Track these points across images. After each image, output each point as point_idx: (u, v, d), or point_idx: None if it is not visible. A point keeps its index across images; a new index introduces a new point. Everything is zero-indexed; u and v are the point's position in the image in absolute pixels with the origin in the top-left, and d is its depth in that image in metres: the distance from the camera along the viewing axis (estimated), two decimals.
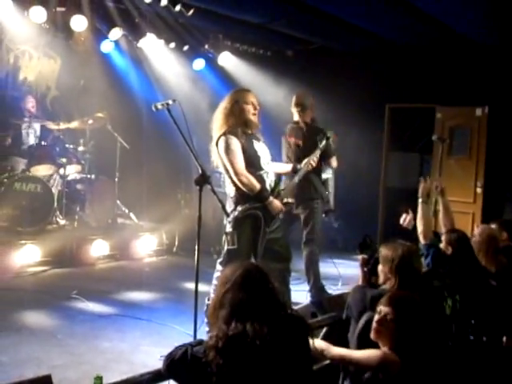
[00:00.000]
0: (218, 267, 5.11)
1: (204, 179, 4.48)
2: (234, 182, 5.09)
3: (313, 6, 7.78)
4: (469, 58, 9.01)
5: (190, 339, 4.28)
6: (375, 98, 9.84)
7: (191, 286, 5.27)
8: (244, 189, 5.04)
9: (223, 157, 5.08)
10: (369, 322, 3.43)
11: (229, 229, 5.04)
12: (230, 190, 5.17)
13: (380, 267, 3.91)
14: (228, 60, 10.23)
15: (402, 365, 3.15)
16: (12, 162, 8.45)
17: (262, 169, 5.13)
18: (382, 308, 3.29)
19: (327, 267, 8.43)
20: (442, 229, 5.30)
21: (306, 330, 2.88)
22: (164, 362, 2.86)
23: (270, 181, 5.20)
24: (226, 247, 5.02)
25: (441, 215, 5.37)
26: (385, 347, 3.26)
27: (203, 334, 4.27)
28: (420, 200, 5.00)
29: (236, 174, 5.03)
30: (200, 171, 4.60)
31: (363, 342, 3.43)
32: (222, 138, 5.08)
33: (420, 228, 4.83)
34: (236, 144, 5.03)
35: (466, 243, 4.64)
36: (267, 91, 10.08)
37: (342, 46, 9.97)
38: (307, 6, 7.75)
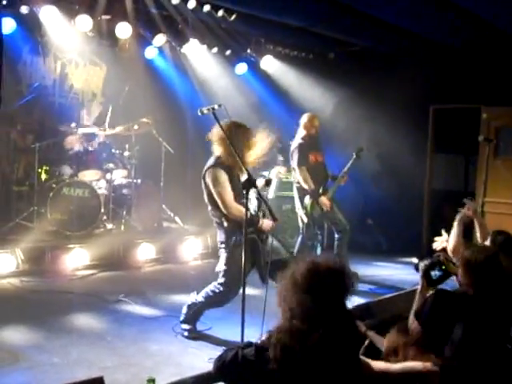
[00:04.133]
0: (218, 286, 5.38)
1: (250, 183, 4.52)
2: (224, 214, 5.24)
3: (354, 8, 7.76)
4: None
5: (237, 342, 4.32)
6: (419, 100, 9.73)
7: None
8: (234, 218, 5.18)
9: (212, 188, 5.23)
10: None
11: (225, 254, 5.32)
12: (221, 221, 5.33)
13: (460, 272, 3.78)
14: (270, 64, 10.26)
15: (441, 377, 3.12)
16: (60, 167, 8.63)
17: (243, 196, 5.17)
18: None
19: (373, 270, 8.41)
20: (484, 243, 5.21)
21: (359, 338, 2.87)
22: (214, 365, 2.87)
23: (253, 206, 5.31)
24: (223, 268, 5.34)
25: (478, 233, 5.27)
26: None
27: (251, 336, 4.28)
28: (457, 218, 4.94)
29: (226, 207, 5.19)
30: (246, 175, 4.63)
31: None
32: (211, 169, 5.23)
33: (451, 245, 4.78)
34: (223, 176, 5.17)
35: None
36: (310, 95, 10.10)
37: (384, 48, 9.90)
38: (349, 7, 7.73)
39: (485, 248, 3.96)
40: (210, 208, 5.41)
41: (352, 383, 2.72)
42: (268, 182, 5.15)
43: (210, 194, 5.31)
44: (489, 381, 3.32)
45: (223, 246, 5.36)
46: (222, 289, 5.37)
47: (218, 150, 5.28)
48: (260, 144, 5.36)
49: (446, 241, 4.96)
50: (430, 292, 3.97)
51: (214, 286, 5.44)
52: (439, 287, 4.01)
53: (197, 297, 5.53)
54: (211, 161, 5.32)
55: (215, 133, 5.22)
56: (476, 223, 5.24)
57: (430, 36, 8.93)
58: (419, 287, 4.14)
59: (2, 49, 3.71)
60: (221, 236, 5.39)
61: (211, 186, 5.24)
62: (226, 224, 5.30)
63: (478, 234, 5.22)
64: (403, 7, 7.54)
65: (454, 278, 4.27)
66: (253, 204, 5.34)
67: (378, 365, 3.27)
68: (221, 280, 5.39)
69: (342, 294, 2.69)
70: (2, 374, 4.50)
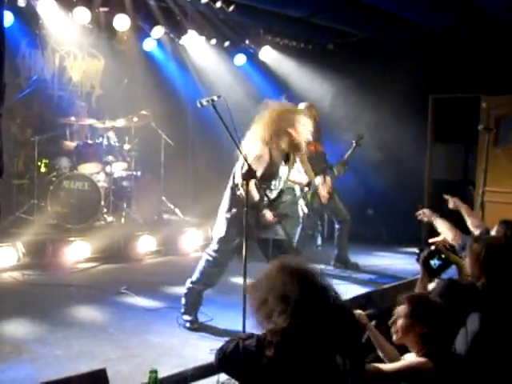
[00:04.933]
0: (211, 253, 5.43)
1: (250, 174, 4.52)
2: (237, 184, 5.21)
3: None
4: None
5: (239, 333, 4.33)
6: (418, 89, 9.73)
7: (238, 280, 5.35)
8: (243, 193, 5.07)
9: (251, 157, 5.16)
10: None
11: (224, 220, 5.35)
12: (231, 190, 5.34)
13: (468, 262, 3.84)
14: (269, 55, 10.25)
15: (436, 369, 3.13)
16: (60, 160, 8.63)
17: (269, 187, 5.23)
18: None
19: (373, 259, 8.42)
20: (475, 231, 5.22)
21: (355, 324, 2.88)
22: (216, 356, 2.88)
23: (271, 195, 5.33)
24: (216, 236, 5.41)
25: (468, 222, 5.28)
26: (414, 351, 3.26)
27: (252, 327, 4.30)
28: (439, 219, 4.95)
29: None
30: (246, 166, 4.63)
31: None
32: (262, 146, 5.19)
33: (449, 237, 4.79)
34: (268, 158, 5.16)
35: None
36: (309, 85, 10.09)
37: (383, 38, 9.87)
38: None
39: (494, 239, 3.96)
40: (237, 173, 5.30)
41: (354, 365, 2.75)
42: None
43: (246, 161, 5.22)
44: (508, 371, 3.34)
45: (225, 212, 5.36)
46: (214, 255, 5.41)
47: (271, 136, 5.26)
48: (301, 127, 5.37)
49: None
50: (434, 282, 3.97)
51: (206, 255, 5.48)
52: (447, 277, 4.04)
53: (192, 278, 5.53)
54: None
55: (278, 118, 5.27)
56: (464, 214, 5.27)
57: (429, 26, 8.92)
58: (420, 276, 4.17)
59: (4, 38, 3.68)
60: (225, 203, 5.39)
61: (252, 156, 5.15)
62: (238, 192, 5.21)
63: (468, 224, 5.25)
64: None
65: (454, 266, 4.31)
66: (272, 194, 5.36)
67: (369, 367, 3.27)
68: (214, 247, 5.44)
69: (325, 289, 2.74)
70: (5, 366, 4.51)
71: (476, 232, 5.14)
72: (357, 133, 7.99)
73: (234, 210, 5.31)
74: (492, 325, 3.45)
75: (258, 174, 5.06)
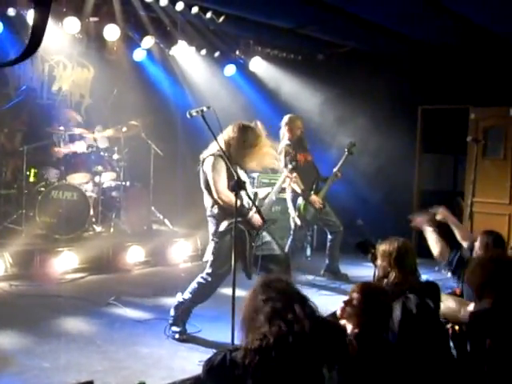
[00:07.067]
0: (206, 276, 5.44)
1: (239, 185, 4.52)
2: (215, 200, 5.32)
3: (343, 10, 7.76)
4: (502, 57, 8.89)
5: (228, 345, 4.31)
6: (407, 100, 9.78)
7: (227, 291, 5.32)
8: (224, 205, 5.25)
9: (208, 174, 5.30)
10: None
11: (213, 243, 5.39)
12: (212, 208, 5.41)
13: (379, 262, 4.15)
14: (259, 65, 10.25)
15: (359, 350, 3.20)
16: (48, 170, 8.60)
17: (244, 188, 5.24)
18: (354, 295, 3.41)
19: (362, 271, 8.42)
20: (463, 243, 5.26)
21: (343, 335, 2.93)
22: (203, 368, 2.89)
23: (247, 200, 5.34)
24: (210, 257, 5.41)
25: (457, 234, 5.32)
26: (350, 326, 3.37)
27: (241, 339, 4.29)
28: (424, 228, 5.00)
29: (217, 191, 5.26)
30: (235, 177, 4.63)
31: None
32: (211, 157, 5.29)
33: (435, 251, 4.85)
34: (222, 165, 5.22)
35: (502, 245, 4.60)
36: (298, 95, 10.11)
37: (373, 49, 9.91)
38: (337, 9, 7.73)
39: (398, 240, 4.23)
40: (204, 195, 5.46)
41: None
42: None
43: (206, 181, 5.39)
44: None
45: (212, 235, 5.42)
46: (208, 279, 5.43)
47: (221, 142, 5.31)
48: (264, 152, 5.51)
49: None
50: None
51: (200, 278, 5.49)
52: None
53: (183, 295, 5.54)
54: (213, 149, 5.33)
55: (226, 135, 5.35)
56: (452, 226, 5.30)
57: (418, 37, 8.95)
58: None
59: None
60: (211, 227, 5.45)
61: (208, 172, 5.30)
62: (216, 211, 5.36)
63: (457, 236, 5.28)
64: (392, 9, 7.55)
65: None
66: (246, 199, 5.38)
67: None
68: (208, 270, 5.45)
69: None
70: None
71: (464, 244, 5.18)
72: (345, 144, 8.01)
73: (221, 226, 5.34)
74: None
75: (221, 183, 5.21)
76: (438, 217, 5.31)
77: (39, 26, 2.84)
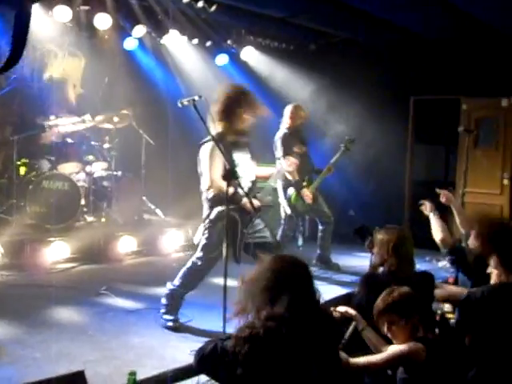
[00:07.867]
0: (196, 261, 5.45)
1: (231, 174, 4.52)
2: (210, 186, 5.33)
3: None
4: (494, 48, 8.89)
5: (219, 334, 4.32)
6: (399, 91, 9.78)
7: (218, 280, 5.33)
8: (216, 192, 5.27)
9: (203, 160, 5.32)
10: None
11: (205, 227, 5.41)
12: (206, 193, 5.42)
13: (376, 250, 4.22)
14: (251, 55, 10.23)
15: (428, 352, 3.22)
16: (39, 160, 8.56)
17: (236, 177, 5.22)
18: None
19: (354, 260, 8.44)
20: (461, 230, 5.26)
21: (337, 329, 2.93)
22: (195, 357, 2.89)
23: (245, 186, 5.33)
24: (201, 241, 5.44)
25: (457, 220, 5.29)
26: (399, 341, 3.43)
27: (232, 327, 4.29)
28: (431, 215, 4.99)
29: (210, 179, 5.26)
30: (227, 166, 4.63)
31: None
32: (209, 143, 5.25)
33: (438, 237, 4.83)
34: (218, 153, 5.16)
35: None
36: (290, 85, 10.09)
37: (365, 39, 9.90)
38: None
39: (396, 228, 4.39)
40: (201, 179, 5.45)
41: (332, 368, 2.77)
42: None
43: (203, 166, 5.39)
44: None
45: (205, 219, 5.44)
46: (198, 263, 5.44)
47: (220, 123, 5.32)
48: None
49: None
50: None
51: (191, 262, 5.50)
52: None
53: (173, 282, 5.53)
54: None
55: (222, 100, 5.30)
56: (454, 211, 5.28)
57: (410, 27, 8.95)
58: None
59: None
60: (205, 211, 5.47)
61: (204, 158, 5.32)
62: (210, 196, 5.37)
63: (457, 222, 5.26)
64: None
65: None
66: (245, 185, 5.37)
67: (357, 361, 3.33)
68: (199, 254, 5.46)
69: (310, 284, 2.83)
70: None
71: (462, 231, 5.19)
72: (337, 135, 8.01)
73: (214, 212, 5.36)
74: None
75: (215, 170, 5.19)
76: (443, 200, 5.27)
77: (20, 38, 2.75)
